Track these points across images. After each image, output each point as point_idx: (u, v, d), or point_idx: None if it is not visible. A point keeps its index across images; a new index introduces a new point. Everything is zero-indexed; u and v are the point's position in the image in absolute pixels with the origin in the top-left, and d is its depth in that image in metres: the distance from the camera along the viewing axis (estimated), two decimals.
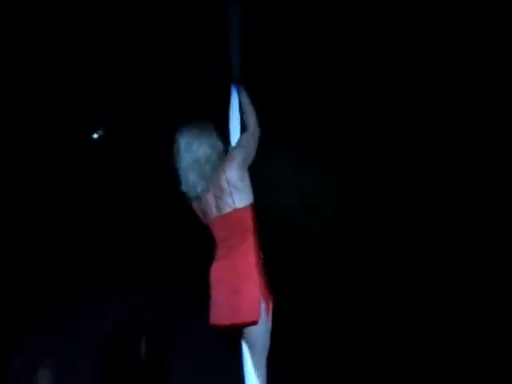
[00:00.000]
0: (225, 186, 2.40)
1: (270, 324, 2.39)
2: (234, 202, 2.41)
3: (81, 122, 6.50)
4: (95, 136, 6.44)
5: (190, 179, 2.47)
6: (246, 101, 2.59)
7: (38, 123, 6.17)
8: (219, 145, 2.54)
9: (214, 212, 2.48)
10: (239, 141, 2.54)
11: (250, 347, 2.36)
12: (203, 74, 5.66)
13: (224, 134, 2.59)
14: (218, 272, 2.46)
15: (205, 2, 5.33)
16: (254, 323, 2.30)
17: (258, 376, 2.37)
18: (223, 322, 2.39)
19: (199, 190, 2.46)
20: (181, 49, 5.94)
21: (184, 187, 2.52)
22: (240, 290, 2.34)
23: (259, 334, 2.34)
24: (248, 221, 2.44)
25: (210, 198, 2.47)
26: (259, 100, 2.77)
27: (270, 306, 2.40)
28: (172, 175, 2.60)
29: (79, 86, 6.28)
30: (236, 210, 2.42)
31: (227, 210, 2.44)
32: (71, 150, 6.41)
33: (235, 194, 2.41)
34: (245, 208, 2.44)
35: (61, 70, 6.16)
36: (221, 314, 2.40)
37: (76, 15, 5.86)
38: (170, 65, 6.14)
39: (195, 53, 5.86)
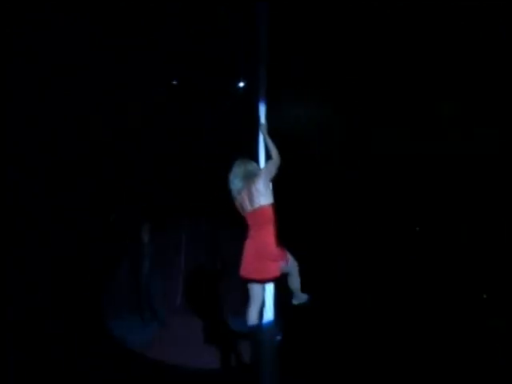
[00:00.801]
0: (254, 191, 3.90)
1: (290, 262, 3.91)
2: (260, 202, 3.87)
3: (80, 122, 6.52)
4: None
5: (236, 184, 3.96)
6: (269, 140, 4.03)
7: (38, 123, 6.19)
8: (255, 168, 4.04)
9: (248, 207, 3.91)
10: (266, 165, 4.04)
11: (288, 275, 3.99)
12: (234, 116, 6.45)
13: (256, 160, 4.10)
14: (248, 244, 3.89)
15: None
16: (276, 278, 3.82)
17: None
18: (250, 276, 3.85)
19: (240, 189, 3.96)
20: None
21: (232, 189, 3.99)
22: (263, 258, 3.79)
23: (290, 269, 3.95)
24: (269, 214, 3.88)
25: (245, 198, 3.94)
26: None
27: (286, 258, 3.86)
28: None
29: (81, 86, 6.30)
30: (261, 207, 3.87)
31: (256, 206, 3.87)
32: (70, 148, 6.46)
33: (260, 196, 3.88)
34: (267, 205, 3.88)
35: (61, 70, 6.17)
36: (248, 270, 3.83)
37: (80, 15, 5.89)
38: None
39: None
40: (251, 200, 3.93)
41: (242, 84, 6.69)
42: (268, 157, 4.09)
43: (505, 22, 5.19)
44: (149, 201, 6.94)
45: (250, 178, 3.97)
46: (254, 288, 3.94)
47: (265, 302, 3.94)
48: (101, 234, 6.41)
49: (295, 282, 4.09)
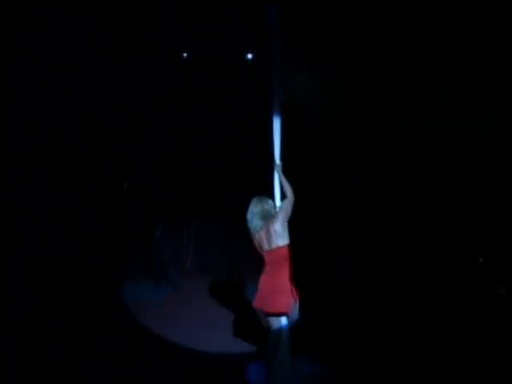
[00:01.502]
0: (272, 232, 4.15)
1: (297, 307, 4.19)
2: (277, 242, 4.15)
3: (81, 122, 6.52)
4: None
5: (255, 223, 4.20)
6: (283, 179, 4.25)
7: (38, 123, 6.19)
8: (272, 206, 4.29)
9: (265, 246, 4.17)
10: (281, 205, 4.26)
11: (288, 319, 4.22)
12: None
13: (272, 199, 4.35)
14: (263, 279, 4.20)
15: None
16: (287, 313, 4.16)
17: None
18: (262, 308, 4.18)
19: (258, 229, 4.20)
20: None
21: (251, 228, 4.23)
22: (277, 293, 4.12)
23: (294, 312, 4.20)
24: (285, 253, 4.17)
25: (263, 237, 4.19)
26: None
27: (297, 299, 4.18)
28: None
29: (81, 86, 6.30)
30: (278, 247, 4.15)
31: (273, 246, 4.15)
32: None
33: (278, 237, 4.15)
34: (284, 246, 4.16)
35: (61, 70, 6.17)
36: (261, 303, 4.18)
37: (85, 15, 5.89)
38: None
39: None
40: (269, 240, 4.18)
41: (250, 56, 6.58)
42: (282, 195, 4.31)
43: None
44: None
45: (267, 217, 4.22)
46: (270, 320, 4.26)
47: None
48: (101, 233, 6.41)
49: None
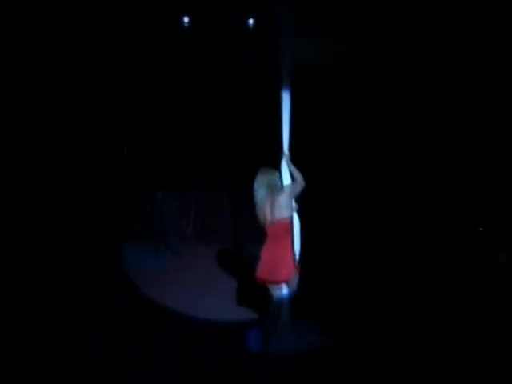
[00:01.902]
0: (277, 205, 4.24)
1: (297, 277, 4.36)
2: (281, 215, 4.24)
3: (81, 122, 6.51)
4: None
5: (261, 193, 4.28)
6: (293, 167, 4.33)
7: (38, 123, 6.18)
8: (277, 177, 4.35)
9: (269, 217, 4.27)
10: (290, 185, 4.33)
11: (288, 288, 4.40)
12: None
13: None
14: (265, 251, 4.33)
15: None
16: (287, 282, 4.35)
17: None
18: (264, 278, 4.35)
19: (264, 199, 4.28)
20: None
21: (256, 197, 4.31)
22: (279, 263, 4.28)
23: (294, 282, 4.37)
24: (288, 226, 4.31)
25: (267, 208, 4.28)
26: None
27: (297, 271, 4.35)
28: None
29: (81, 86, 6.29)
30: (281, 219, 4.25)
31: (276, 218, 4.25)
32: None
33: (282, 210, 4.23)
34: (286, 218, 4.27)
35: (61, 70, 6.17)
36: (262, 274, 4.33)
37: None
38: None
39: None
40: (273, 212, 4.26)
41: (251, 21, 6.38)
42: (292, 177, 4.37)
43: None
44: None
45: (273, 189, 4.30)
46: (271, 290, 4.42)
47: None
48: (101, 234, 6.41)
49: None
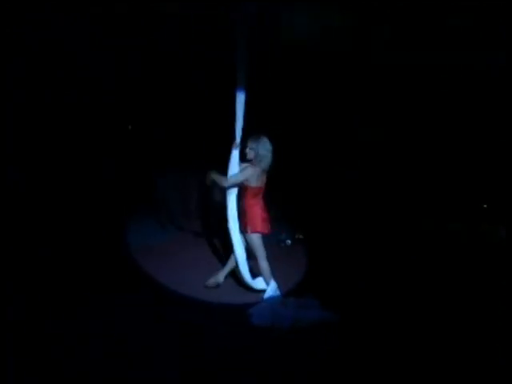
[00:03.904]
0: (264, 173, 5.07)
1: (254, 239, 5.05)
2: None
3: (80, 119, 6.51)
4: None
5: (269, 159, 4.93)
6: (236, 162, 5.04)
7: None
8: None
9: (264, 182, 5.02)
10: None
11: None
12: None
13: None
14: (257, 209, 5.05)
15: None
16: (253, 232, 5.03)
17: (262, 266, 5.09)
18: (263, 231, 5.08)
19: (268, 165, 4.97)
20: None
21: (266, 163, 4.93)
22: (266, 217, 5.06)
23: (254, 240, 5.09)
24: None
25: (265, 175, 5.02)
26: None
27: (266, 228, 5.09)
28: None
29: (80, 86, 6.30)
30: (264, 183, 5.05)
31: (265, 182, 5.06)
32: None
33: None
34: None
35: (61, 70, 6.17)
36: (261, 227, 5.05)
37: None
38: None
39: None
40: (263, 177, 4.99)
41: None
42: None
43: None
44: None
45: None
46: (259, 242, 5.01)
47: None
48: (100, 234, 6.40)
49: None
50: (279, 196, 6.30)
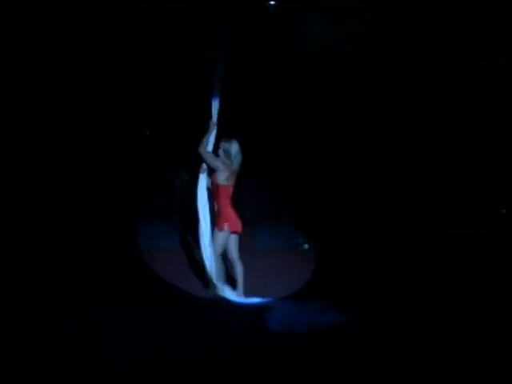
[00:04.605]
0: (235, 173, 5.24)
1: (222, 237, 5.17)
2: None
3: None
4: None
5: (238, 159, 5.15)
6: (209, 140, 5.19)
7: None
8: None
9: (234, 181, 5.18)
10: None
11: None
12: None
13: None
14: (230, 210, 5.22)
15: None
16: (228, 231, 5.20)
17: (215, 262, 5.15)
18: (235, 229, 5.25)
19: (238, 166, 5.19)
20: None
21: (235, 163, 5.14)
22: (238, 217, 5.23)
23: (217, 237, 5.21)
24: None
25: (235, 174, 5.19)
26: None
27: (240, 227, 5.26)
28: None
29: (81, 85, 6.30)
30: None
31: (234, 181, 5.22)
32: None
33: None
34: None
35: (61, 70, 6.18)
36: (234, 226, 5.22)
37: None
38: None
39: None
40: (233, 177, 5.17)
41: (272, 2, 6.41)
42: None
43: None
44: None
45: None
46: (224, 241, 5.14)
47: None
48: (101, 234, 6.41)
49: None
50: (291, 200, 6.28)
